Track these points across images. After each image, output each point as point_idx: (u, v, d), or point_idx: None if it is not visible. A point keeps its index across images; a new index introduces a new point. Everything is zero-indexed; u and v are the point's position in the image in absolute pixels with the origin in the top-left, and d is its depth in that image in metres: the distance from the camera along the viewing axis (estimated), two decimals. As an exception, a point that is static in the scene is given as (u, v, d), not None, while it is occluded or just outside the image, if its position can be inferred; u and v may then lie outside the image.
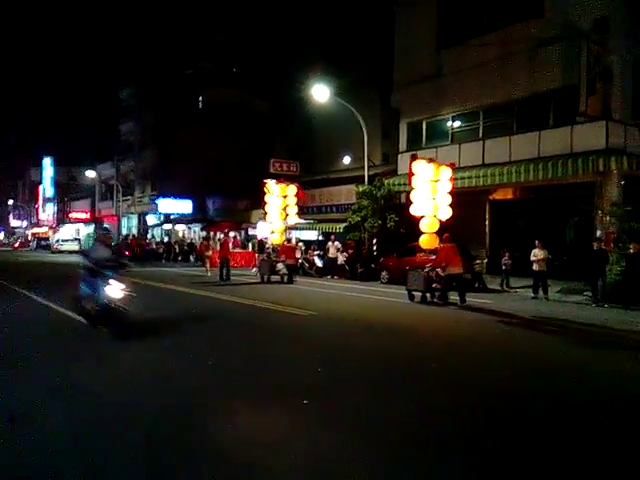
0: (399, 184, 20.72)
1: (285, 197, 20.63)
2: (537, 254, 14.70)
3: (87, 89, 50.49)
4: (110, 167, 48.85)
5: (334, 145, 28.24)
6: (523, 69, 17.40)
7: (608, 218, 15.23)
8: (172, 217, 40.11)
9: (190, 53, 38.57)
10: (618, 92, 15.49)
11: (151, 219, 43.47)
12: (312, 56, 27.01)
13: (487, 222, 19.77)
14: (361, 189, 21.41)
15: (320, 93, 22.18)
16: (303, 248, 23.78)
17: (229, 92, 38.21)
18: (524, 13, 17.44)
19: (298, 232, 28.75)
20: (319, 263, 22.51)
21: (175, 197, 38.60)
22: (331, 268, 21.68)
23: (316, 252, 23.10)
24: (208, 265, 21.52)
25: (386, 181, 21.21)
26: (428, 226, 13.79)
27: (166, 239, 38.86)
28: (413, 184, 14.02)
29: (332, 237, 22.65)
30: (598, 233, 15.02)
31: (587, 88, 15.36)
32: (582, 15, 15.60)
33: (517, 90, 17.59)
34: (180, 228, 40.54)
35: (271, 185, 20.66)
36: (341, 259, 21.50)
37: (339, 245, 21.92)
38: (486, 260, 18.60)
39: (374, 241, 21.11)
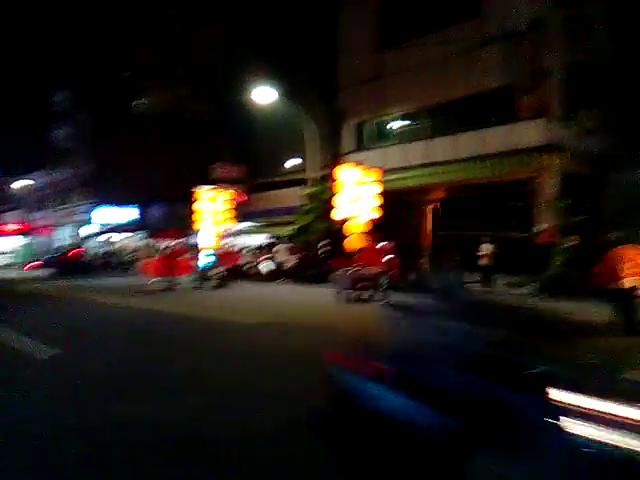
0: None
1: (217, 203, 20.73)
2: (484, 248, 14.95)
3: (16, 94, 47.74)
4: (44, 175, 46.38)
5: (280, 148, 27.91)
6: (464, 69, 17.72)
7: (548, 213, 15.68)
8: (112, 226, 38.48)
9: (127, 55, 37.23)
10: (554, 90, 16.00)
11: (89, 228, 41.55)
12: (255, 58, 26.60)
13: (431, 220, 20.01)
14: (308, 191, 21.19)
15: (264, 95, 21.85)
16: (251, 252, 23.28)
17: (168, 94, 37.09)
18: (463, 14, 17.80)
19: (246, 236, 28.21)
20: (267, 267, 22.04)
21: (115, 205, 37.07)
22: (280, 272, 21.27)
23: (264, 256, 22.63)
24: (145, 275, 20.41)
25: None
26: (354, 227, 14.57)
27: (105, 249, 37.19)
28: (339, 187, 14.60)
29: (281, 240, 22.28)
30: (538, 227, 15.43)
31: (525, 87, 15.83)
32: (518, 16, 16.06)
33: (459, 89, 17.90)
34: (121, 237, 38.93)
35: (202, 191, 20.56)
36: (289, 262, 21.15)
37: (287, 248, 21.58)
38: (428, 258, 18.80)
39: (322, 243, 20.90)
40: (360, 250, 13.94)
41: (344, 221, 14.30)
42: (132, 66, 37.02)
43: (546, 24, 15.59)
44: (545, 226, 15.26)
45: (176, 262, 19.50)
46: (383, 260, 13.73)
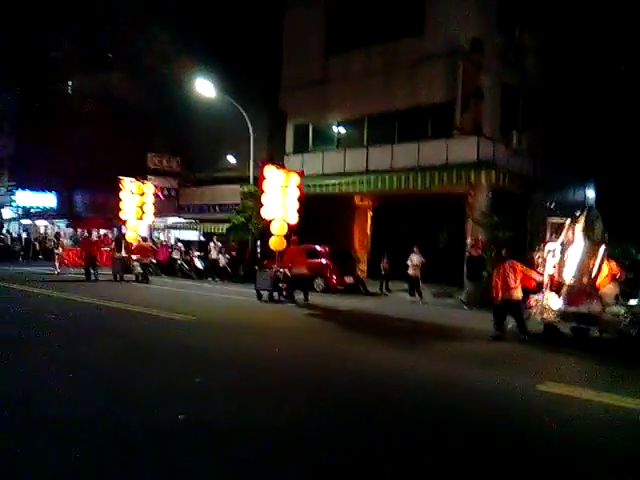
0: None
1: (142, 195, 20.26)
2: (413, 259, 15.40)
3: None
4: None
5: (218, 144, 27.35)
6: (405, 82, 18.16)
7: (477, 227, 16.38)
8: (32, 211, 36.22)
9: (57, 33, 35.13)
10: (488, 110, 16.74)
11: (7, 212, 38.87)
12: (197, 50, 25.94)
13: (369, 227, 20.37)
14: (246, 189, 20.94)
15: (204, 89, 21.38)
16: (183, 249, 22.68)
17: (103, 79, 35.39)
18: (407, 29, 18.23)
19: (178, 232, 27.46)
20: (199, 264, 21.56)
21: (36, 189, 34.92)
22: (212, 270, 20.89)
23: (196, 253, 22.11)
24: (57, 263, 20.49)
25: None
26: (277, 229, 14.71)
27: (25, 235, 34.93)
28: (264, 188, 14.69)
29: (214, 238, 21.86)
30: (469, 241, 16.08)
31: (461, 104, 16.44)
32: (459, 34, 16.65)
33: (399, 101, 18.30)
34: (42, 224, 36.75)
35: (127, 182, 20.07)
36: (223, 261, 20.80)
37: (221, 246, 21.21)
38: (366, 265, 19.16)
39: (258, 243, 20.71)
40: (283, 251, 14.45)
41: (270, 222, 14.54)
42: (61, 45, 34.99)
43: (484, 47, 16.23)
44: (475, 240, 15.91)
45: (94, 252, 19.22)
46: (306, 262, 14.47)
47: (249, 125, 21.17)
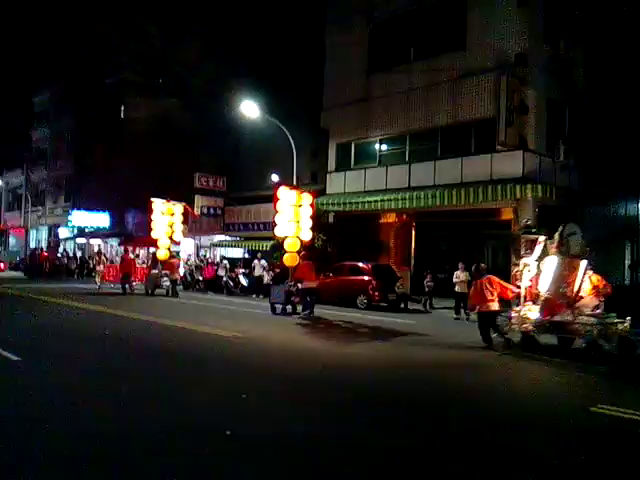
0: (328, 203, 20.81)
1: (172, 215, 21.26)
2: (459, 276, 15.16)
3: (-3, 91, 46.99)
4: (19, 175, 45.55)
5: (262, 163, 27.96)
6: (447, 98, 18.16)
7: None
8: (87, 230, 37.88)
9: (113, 61, 37.00)
10: (533, 124, 16.49)
11: (64, 232, 40.80)
12: (242, 72, 26.76)
13: (412, 243, 20.26)
14: (289, 207, 21.24)
15: (249, 110, 21.96)
16: (228, 266, 23.18)
17: (154, 104, 36.92)
18: (448, 45, 18.27)
19: (224, 249, 28.10)
20: (244, 281, 21.97)
21: (91, 210, 36.54)
22: (257, 287, 21.22)
23: (241, 270, 22.55)
24: (98, 279, 22.32)
25: (315, 200, 21.17)
26: (290, 246, 15.73)
27: (79, 254, 36.55)
28: (277, 208, 15.76)
29: (258, 255, 22.25)
30: (514, 258, 15.75)
31: (505, 119, 16.25)
32: (502, 50, 16.56)
33: (441, 117, 18.31)
34: (96, 242, 38.35)
35: (157, 203, 21.24)
36: (267, 278, 21.10)
37: (265, 264, 21.55)
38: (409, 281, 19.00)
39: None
40: (296, 267, 15.23)
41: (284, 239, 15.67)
42: (117, 73, 36.79)
43: (528, 60, 16.07)
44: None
45: (129, 269, 21.02)
46: (315, 276, 15.21)
47: (292, 144, 21.59)
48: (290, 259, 15.67)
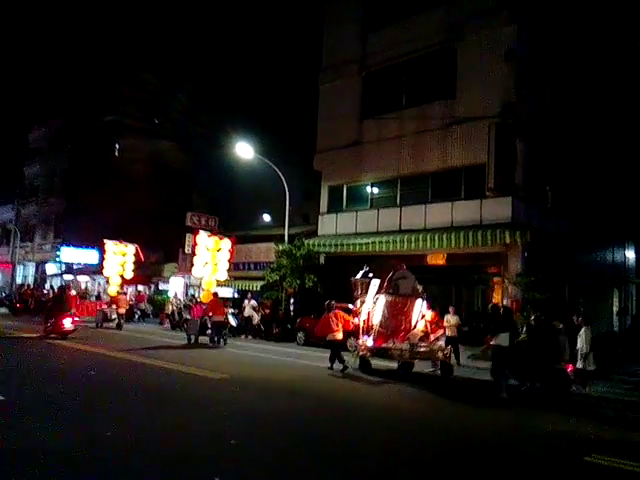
0: (319, 245, 20.88)
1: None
2: (449, 320, 15.12)
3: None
4: (9, 210, 45.37)
5: (254, 203, 28.23)
6: (437, 144, 18.56)
7: (512, 288, 16.13)
8: (75, 267, 37.53)
9: (109, 102, 37.63)
10: (522, 171, 16.85)
11: (51, 268, 40.40)
12: (235, 114, 27.31)
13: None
14: (281, 248, 21.32)
15: (242, 151, 22.33)
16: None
17: (149, 144, 37.42)
18: (439, 93, 18.81)
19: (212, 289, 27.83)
20: (233, 322, 21.69)
21: (80, 246, 36.32)
22: (246, 327, 21.00)
23: (231, 310, 22.30)
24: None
25: (306, 241, 21.28)
26: (207, 284, 19.26)
27: (73, 291, 36.00)
28: (196, 251, 19.10)
29: (248, 295, 22.12)
30: (505, 301, 15.81)
31: (495, 166, 16.59)
32: (491, 99, 17.07)
33: (432, 163, 18.66)
34: (83, 279, 37.95)
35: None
36: (257, 318, 20.93)
37: (255, 304, 21.40)
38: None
39: (292, 301, 20.85)
40: (209, 303, 17.75)
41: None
42: (112, 112, 37.36)
43: (516, 109, 16.56)
44: (510, 301, 15.65)
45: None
46: (223, 312, 17.46)
47: (285, 185, 21.84)
48: (205, 296, 18.86)
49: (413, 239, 18.06)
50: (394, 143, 19.73)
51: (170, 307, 24.81)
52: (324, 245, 20.82)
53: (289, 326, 19.76)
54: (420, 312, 12.39)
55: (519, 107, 16.72)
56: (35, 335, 16.98)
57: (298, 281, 20.32)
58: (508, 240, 16.06)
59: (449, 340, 14.95)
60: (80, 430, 6.04)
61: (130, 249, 24.47)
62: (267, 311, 20.94)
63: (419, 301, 12.42)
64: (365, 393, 10.01)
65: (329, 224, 21.68)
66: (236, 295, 25.79)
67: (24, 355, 12.82)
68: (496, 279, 17.06)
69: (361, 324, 12.19)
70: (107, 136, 37.99)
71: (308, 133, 23.57)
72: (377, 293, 12.31)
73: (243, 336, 20.58)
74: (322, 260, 21.18)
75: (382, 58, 20.43)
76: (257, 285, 23.05)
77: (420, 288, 12.86)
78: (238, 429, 6.45)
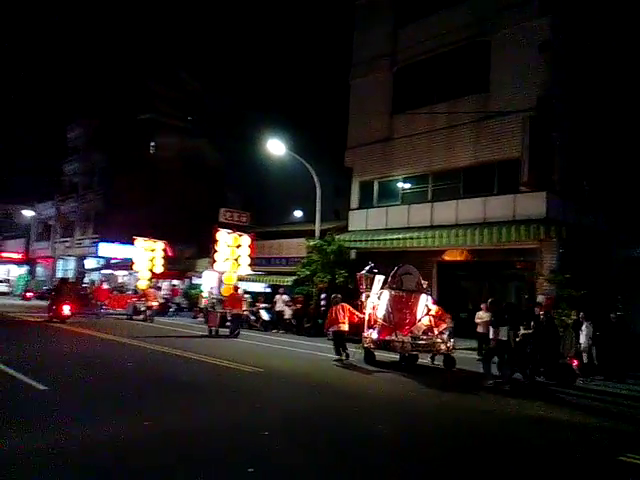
0: (350, 240, 20.96)
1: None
2: (482, 316, 14.96)
3: (30, 126, 49.09)
4: (50, 207, 46.95)
5: (286, 199, 28.47)
6: (470, 139, 18.36)
7: (547, 284, 15.85)
8: (113, 262, 38.59)
9: (145, 98, 38.47)
10: (557, 164, 16.51)
11: (90, 262, 41.64)
12: (268, 110, 27.55)
13: (434, 282, 20.14)
14: (312, 243, 21.47)
15: (274, 147, 22.53)
16: (250, 300, 23.28)
17: (182, 141, 38.14)
18: (471, 87, 18.59)
19: (246, 283, 28.24)
20: (265, 316, 22.03)
21: (117, 242, 37.32)
22: (277, 322, 21.26)
23: (263, 305, 22.64)
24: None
25: (337, 237, 21.38)
26: (227, 279, 20.32)
27: (105, 285, 37.13)
28: (217, 247, 19.93)
29: (280, 290, 22.36)
30: (539, 298, 15.54)
31: (529, 161, 16.31)
32: (525, 92, 16.78)
33: (464, 158, 18.48)
34: (121, 274, 38.98)
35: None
36: (288, 313, 21.16)
37: (287, 298, 21.63)
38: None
39: (323, 296, 20.98)
40: (228, 297, 18.82)
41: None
42: (148, 110, 38.15)
43: (552, 102, 16.22)
44: (544, 298, 15.38)
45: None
46: (242, 305, 18.73)
47: (316, 181, 21.96)
48: (225, 290, 19.89)
49: (445, 235, 17.94)
50: (425, 138, 19.61)
51: (203, 301, 25.30)
52: (355, 241, 20.88)
53: (320, 321, 19.88)
54: (425, 307, 12.87)
55: (554, 100, 16.37)
56: (42, 320, 19.54)
57: (329, 276, 20.43)
58: (543, 236, 15.80)
59: (481, 336, 14.84)
60: (125, 421, 6.27)
61: (159, 245, 25.67)
62: (299, 306, 21.14)
63: (424, 296, 12.91)
64: (372, 383, 10.31)
65: (360, 220, 21.72)
66: (268, 290, 26.09)
67: (46, 341, 14.03)
68: (530, 276, 16.79)
69: (366, 318, 12.67)
70: (142, 134, 38.85)
71: (339, 129, 23.63)
72: (381, 288, 12.82)
73: (275, 330, 20.84)
74: (353, 255, 21.24)
75: (413, 53, 20.31)
76: (289, 280, 23.27)
77: (425, 284, 13.30)
78: (270, 421, 6.61)
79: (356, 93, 22.46)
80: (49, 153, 46.84)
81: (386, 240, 19.65)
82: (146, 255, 25.41)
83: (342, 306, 13.02)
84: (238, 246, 20.65)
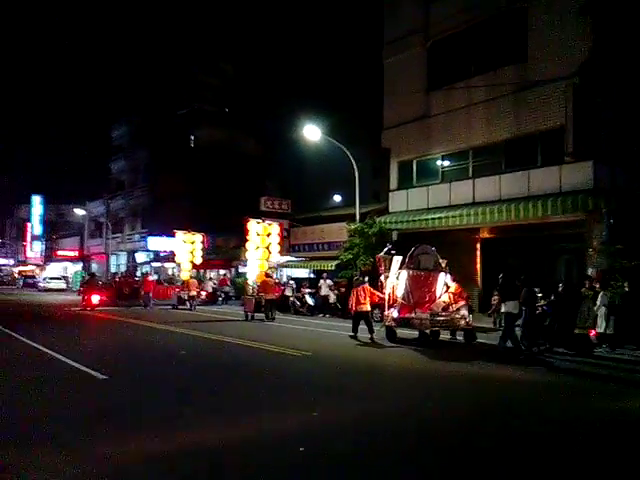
0: (390, 222, 20.84)
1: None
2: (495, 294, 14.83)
3: (77, 127, 50.96)
4: (100, 205, 48.79)
5: (325, 183, 28.51)
6: (510, 111, 17.82)
7: (597, 256, 15.32)
8: (162, 255, 39.82)
9: (183, 93, 39.17)
10: (604, 133, 15.81)
11: (141, 256, 43.15)
12: (303, 96, 27.53)
13: (478, 260, 19.83)
14: (353, 227, 21.49)
15: (311, 132, 22.55)
16: (294, 286, 23.62)
17: (221, 132, 38.68)
18: (509, 58, 17.98)
19: (290, 270, 28.63)
20: (310, 301, 22.30)
21: (165, 235, 38.45)
22: (323, 306, 21.49)
23: (307, 290, 22.92)
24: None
25: (377, 219, 21.31)
26: (259, 267, 21.62)
27: (155, 277, 38.42)
28: (248, 237, 21.57)
29: (324, 275, 22.56)
30: (590, 271, 15.06)
31: (573, 130, 15.71)
32: (567, 58, 16.11)
33: (504, 130, 17.96)
34: (170, 266, 40.20)
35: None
36: (333, 297, 21.35)
37: (330, 283, 21.81)
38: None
39: (366, 279, 21.00)
40: (261, 283, 19.74)
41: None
42: (187, 104, 38.81)
43: (595, 69, 15.52)
44: (595, 271, 14.88)
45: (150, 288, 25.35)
46: (274, 290, 19.83)
47: (354, 165, 21.89)
48: (258, 277, 20.90)
49: (488, 211, 17.57)
50: (463, 113, 19.17)
51: (249, 289, 25.79)
52: (396, 222, 20.75)
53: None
54: (444, 284, 13.36)
55: (598, 65, 15.64)
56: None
57: (371, 259, 20.42)
58: (591, 207, 15.26)
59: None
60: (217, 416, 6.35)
61: (198, 237, 26.85)
62: (342, 290, 21.27)
63: (442, 274, 13.38)
64: (394, 358, 10.58)
65: (400, 200, 21.54)
66: (312, 275, 26.35)
67: (87, 330, 15.35)
68: (578, 248, 16.26)
69: (386, 297, 13.31)
70: (182, 128, 39.64)
71: (375, 111, 23.38)
72: (399, 269, 13.34)
73: (321, 315, 21.08)
74: (395, 237, 21.13)
75: (446, 26, 19.78)
76: (332, 265, 23.43)
77: (444, 262, 13.80)
78: (320, 403, 6.77)
79: (390, 72, 22.11)
80: (97, 154, 48.62)
81: (427, 220, 19.44)
82: (186, 247, 26.58)
83: (363, 287, 13.61)
84: (268, 234, 22.01)
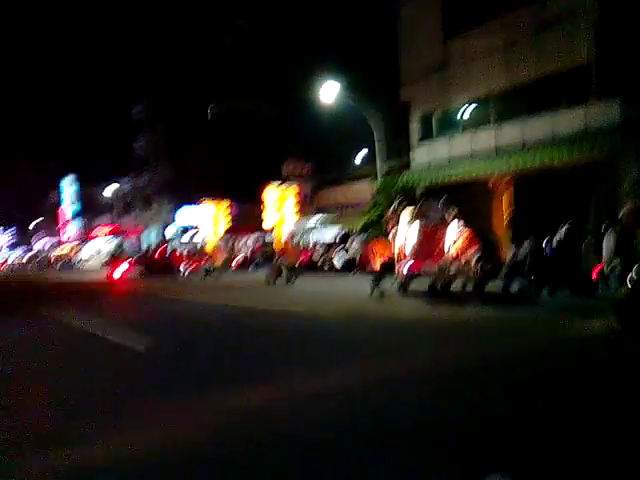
0: (413, 178, 20.69)
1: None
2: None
3: (100, 108, 51.44)
4: (127, 182, 49.59)
5: (347, 143, 28.26)
6: (530, 52, 17.23)
7: (629, 197, 14.96)
8: (190, 228, 40.48)
9: (198, 61, 38.86)
10: (630, 69, 15.19)
11: (170, 230, 43.99)
12: (318, 56, 27.08)
13: (504, 209, 19.58)
14: (377, 184, 21.43)
15: (329, 92, 22.29)
16: (321, 252, 23.82)
17: (239, 99, 38.46)
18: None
19: (316, 233, 28.84)
20: (338, 264, 22.49)
21: (193, 204, 38.97)
22: (351, 265, 21.67)
23: (337, 249, 23.06)
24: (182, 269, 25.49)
25: (400, 176, 21.16)
26: (276, 233, 22.07)
27: (179, 250, 39.06)
28: (265, 204, 22.63)
29: (352, 233, 22.67)
30: (621, 213, 14.75)
31: (598, 67, 15.15)
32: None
33: (525, 73, 17.42)
34: (197, 238, 40.84)
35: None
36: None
37: (360, 240, 21.90)
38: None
39: (390, 237, 21.03)
40: (280, 249, 19.84)
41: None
42: (203, 74, 38.58)
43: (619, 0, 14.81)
44: (628, 209, 14.57)
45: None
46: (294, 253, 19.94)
47: (373, 120, 21.64)
48: (277, 242, 21.21)
49: (511, 158, 17.26)
50: (483, 58, 18.61)
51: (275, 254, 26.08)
52: (419, 177, 20.59)
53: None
54: (457, 233, 12.83)
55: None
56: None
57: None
58: (620, 146, 14.84)
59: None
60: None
61: (223, 205, 27.47)
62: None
63: (453, 223, 12.83)
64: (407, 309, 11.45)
65: (422, 154, 21.30)
66: (339, 237, 26.49)
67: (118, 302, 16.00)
68: (608, 190, 15.90)
69: (396, 252, 13.26)
70: (200, 99, 39.55)
71: (393, 65, 22.87)
72: (408, 222, 13.32)
73: (352, 273, 21.29)
74: (419, 191, 20.99)
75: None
76: (358, 224, 23.50)
77: (454, 212, 13.00)
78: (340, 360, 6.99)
79: (405, 23, 21.52)
80: (121, 132, 49.09)
81: (451, 173, 19.22)
82: (211, 216, 27.26)
83: (374, 243, 13.85)
84: (284, 199, 22.62)
